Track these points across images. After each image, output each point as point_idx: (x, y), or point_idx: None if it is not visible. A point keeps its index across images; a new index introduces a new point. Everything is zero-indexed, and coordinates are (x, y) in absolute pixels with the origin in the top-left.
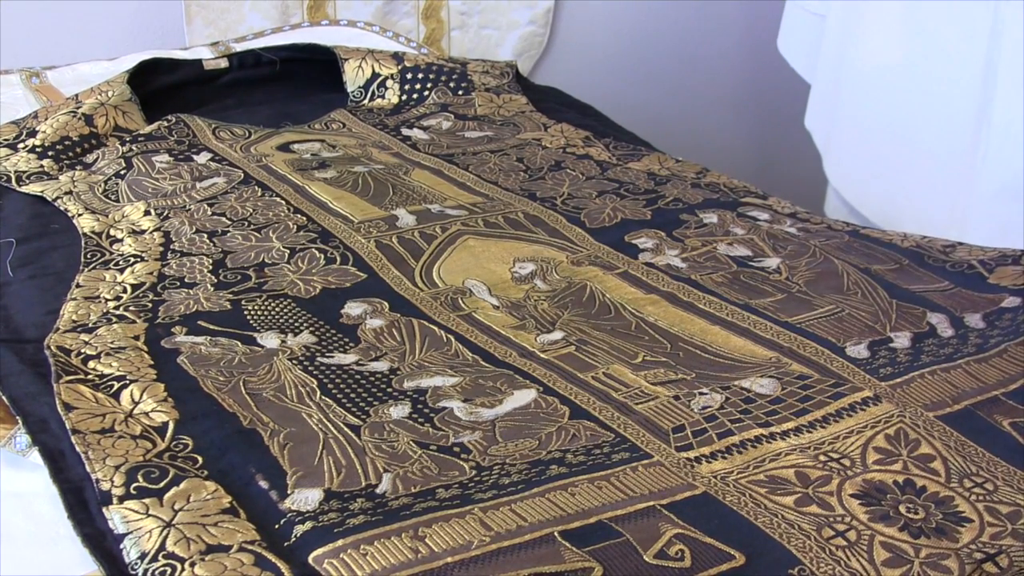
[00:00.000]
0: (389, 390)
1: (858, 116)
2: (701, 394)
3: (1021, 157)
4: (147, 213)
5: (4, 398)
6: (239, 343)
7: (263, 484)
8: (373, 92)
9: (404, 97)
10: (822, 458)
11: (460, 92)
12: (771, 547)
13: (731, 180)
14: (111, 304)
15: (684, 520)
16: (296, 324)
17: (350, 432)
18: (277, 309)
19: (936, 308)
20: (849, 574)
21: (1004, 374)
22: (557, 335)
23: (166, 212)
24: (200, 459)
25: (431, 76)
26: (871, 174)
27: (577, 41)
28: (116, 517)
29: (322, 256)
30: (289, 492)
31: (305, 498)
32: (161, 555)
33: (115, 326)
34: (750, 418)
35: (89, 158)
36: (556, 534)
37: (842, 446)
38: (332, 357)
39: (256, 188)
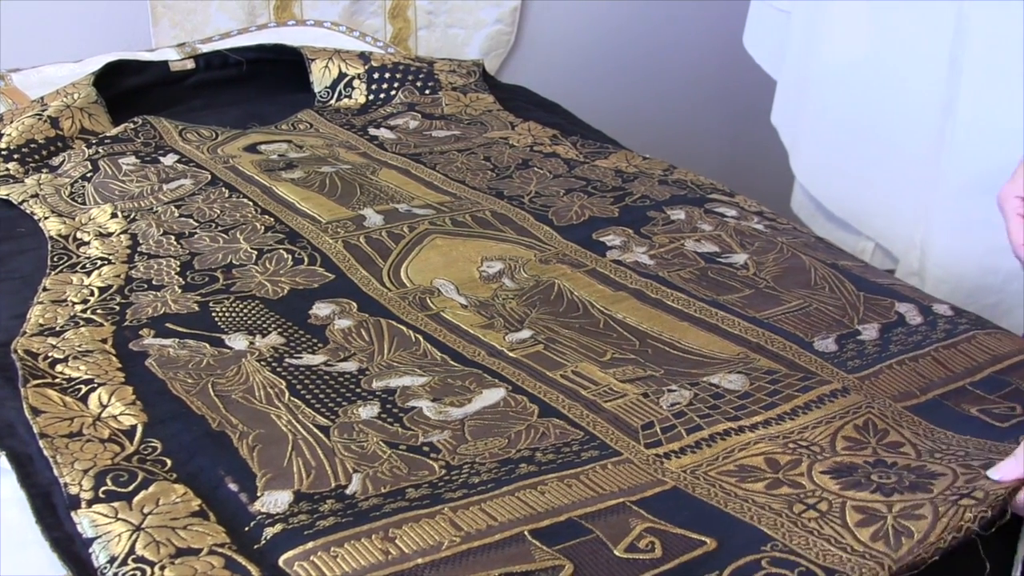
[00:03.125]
0: (358, 390)
1: (824, 112)
2: (670, 391)
3: (986, 152)
4: (114, 215)
5: None
6: (207, 345)
7: (233, 486)
8: (340, 92)
9: (371, 97)
10: (791, 446)
11: (427, 91)
12: (742, 529)
13: (698, 177)
14: (78, 307)
15: (654, 514)
16: (264, 325)
17: (319, 433)
18: (245, 310)
19: (904, 298)
20: (823, 540)
21: (972, 361)
22: (525, 334)
23: (133, 214)
24: (169, 462)
25: (398, 76)
26: (837, 170)
27: (544, 39)
28: (85, 521)
29: (290, 257)
30: (259, 494)
31: (275, 500)
32: (131, 559)
33: (82, 329)
34: (719, 413)
35: (55, 161)
36: (526, 533)
37: (811, 435)
38: (300, 358)
39: (223, 189)
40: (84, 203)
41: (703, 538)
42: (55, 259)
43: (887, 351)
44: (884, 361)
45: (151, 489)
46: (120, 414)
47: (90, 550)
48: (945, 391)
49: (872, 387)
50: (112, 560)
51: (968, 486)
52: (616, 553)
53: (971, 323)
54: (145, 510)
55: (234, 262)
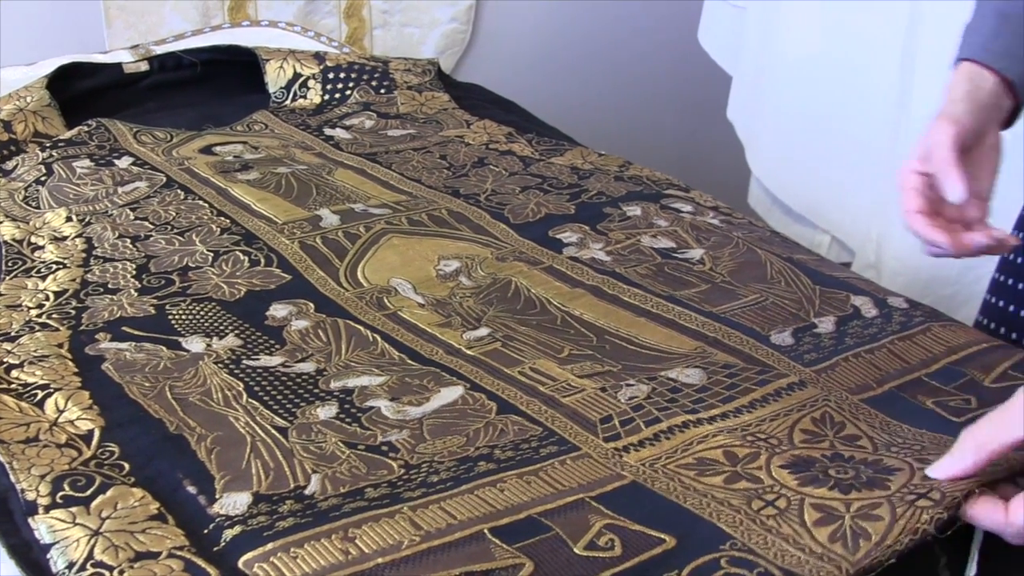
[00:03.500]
0: (316, 391)
1: (779, 107)
2: (628, 385)
3: None
4: (69, 219)
5: None
6: (164, 348)
7: (191, 489)
8: (295, 92)
9: (326, 97)
10: (749, 438)
11: (382, 91)
12: (701, 527)
13: (654, 173)
14: (34, 312)
15: (613, 510)
16: (221, 327)
17: (277, 434)
18: (202, 313)
19: (860, 292)
20: (781, 540)
21: (927, 353)
22: (483, 331)
23: (88, 218)
24: (127, 466)
25: (353, 75)
26: (793, 164)
27: (499, 37)
28: (43, 527)
29: (246, 258)
30: (217, 496)
31: (233, 502)
32: (89, 564)
33: (38, 334)
34: (677, 406)
35: (8, 165)
36: (486, 531)
37: (769, 428)
38: (258, 359)
39: (179, 191)
40: (38, 207)
41: (662, 536)
42: (10, 264)
43: (843, 344)
44: (840, 354)
45: (109, 493)
46: (77, 419)
47: (48, 556)
48: (901, 383)
49: (829, 380)
50: (71, 566)
51: (925, 484)
52: (576, 551)
53: (926, 315)
54: (103, 514)
55: (190, 264)
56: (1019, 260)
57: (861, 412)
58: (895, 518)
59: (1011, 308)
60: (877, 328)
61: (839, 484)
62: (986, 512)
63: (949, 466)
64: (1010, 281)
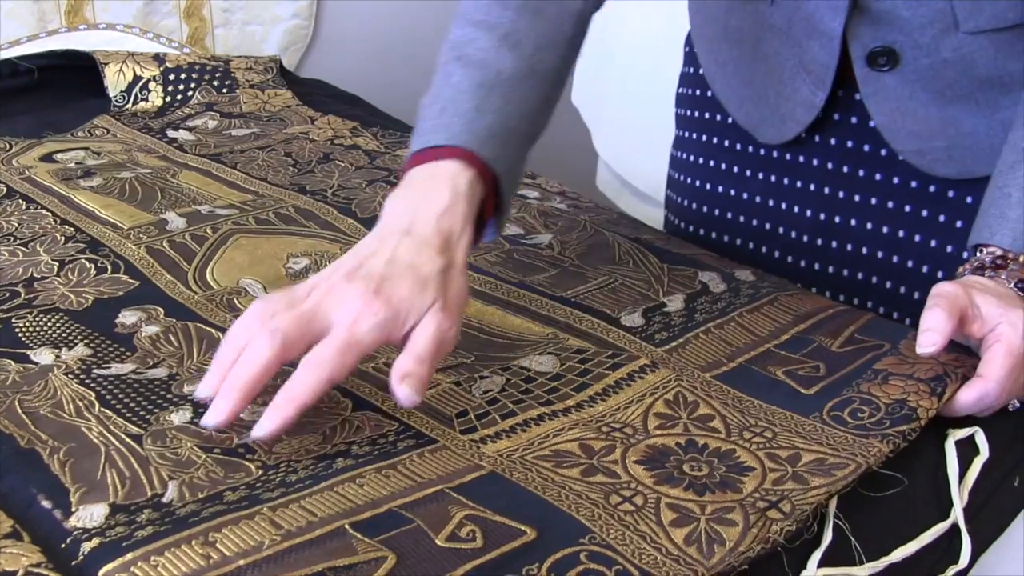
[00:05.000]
0: (169, 396)
1: (623, 90)
2: (482, 378)
3: None
4: None
5: None
6: (12, 362)
7: (46, 504)
8: (136, 95)
9: (168, 99)
10: (604, 429)
11: (224, 90)
12: (561, 519)
13: None
14: None
15: (473, 500)
16: (70, 337)
17: (132, 442)
18: (49, 324)
19: (707, 267)
20: (639, 537)
21: (775, 323)
22: None
23: None
24: None
25: (194, 76)
26: (638, 145)
27: (342, 32)
28: None
29: (92, 266)
30: (73, 510)
31: (90, 514)
32: None
33: None
34: (531, 398)
35: None
36: (347, 526)
37: (623, 416)
38: (109, 368)
39: (20, 201)
40: None
41: (523, 527)
42: None
43: (693, 321)
44: (691, 331)
45: None
46: None
47: None
48: (752, 356)
49: (680, 358)
50: None
51: (776, 491)
52: (438, 543)
53: (773, 286)
54: None
55: (35, 275)
56: (683, 156)
57: (713, 389)
58: (748, 525)
59: (684, 202)
60: (726, 302)
61: (693, 484)
62: (965, 391)
63: (933, 339)
64: (680, 176)
